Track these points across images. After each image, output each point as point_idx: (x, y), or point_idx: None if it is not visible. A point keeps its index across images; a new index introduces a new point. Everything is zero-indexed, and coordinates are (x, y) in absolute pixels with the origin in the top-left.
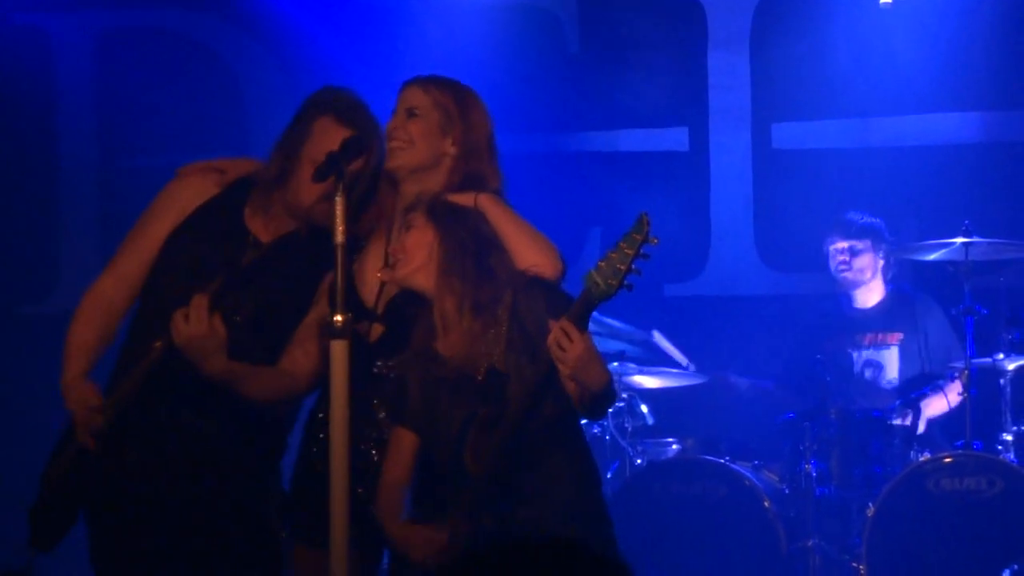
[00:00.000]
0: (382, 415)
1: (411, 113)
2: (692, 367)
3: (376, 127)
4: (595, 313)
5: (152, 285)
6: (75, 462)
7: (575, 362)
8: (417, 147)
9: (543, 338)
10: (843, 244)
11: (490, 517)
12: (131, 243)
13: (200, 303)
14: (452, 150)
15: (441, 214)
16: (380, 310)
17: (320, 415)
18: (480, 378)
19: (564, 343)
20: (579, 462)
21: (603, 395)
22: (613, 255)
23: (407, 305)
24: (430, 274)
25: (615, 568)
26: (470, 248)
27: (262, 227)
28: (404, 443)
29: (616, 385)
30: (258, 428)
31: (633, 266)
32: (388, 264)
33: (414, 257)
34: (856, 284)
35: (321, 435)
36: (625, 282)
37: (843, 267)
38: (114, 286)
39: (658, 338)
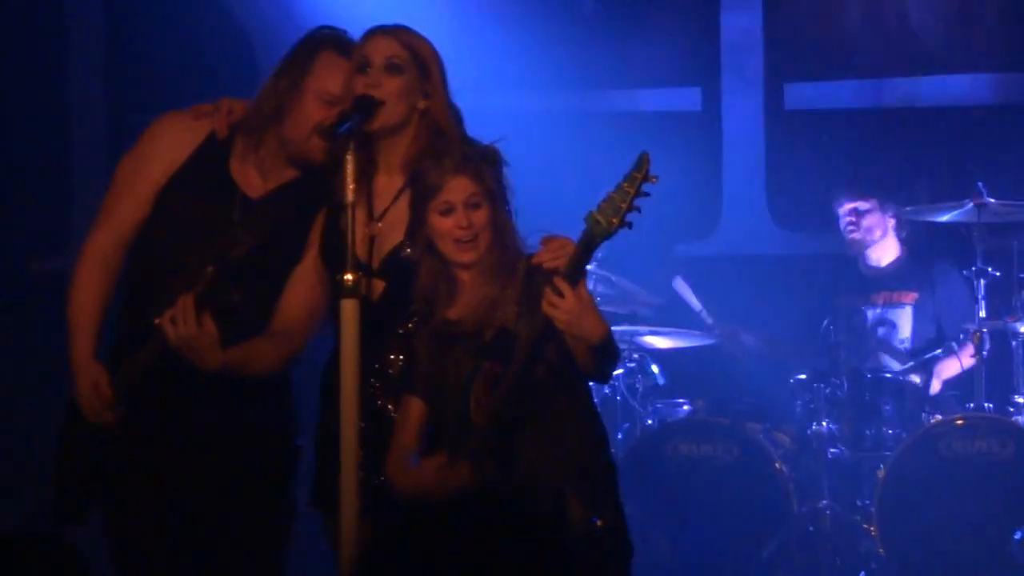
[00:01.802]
0: (391, 371)
1: (391, 67)
2: (706, 315)
3: None
4: (610, 275)
5: (145, 242)
6: (90, 437)
7: (567, 316)
8: (397, 105)
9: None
10: (849, 205)
11: (493, 465)
12: (124, 192)
13: (186, 304)
14: (423, 105)
15: (493, 192)
16: (375, 265)
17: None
18: (488, 338)
19: (554, 299)
20: (584, 420)
21: (603, 349)
22: (614, 195)
23: (406, 260)
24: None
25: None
26: (509, 226)
27: (249, 176)
28: (412, 410)
29: (625, 345)
30: (264, 391)
31: (634, 204)
32: (373, 218)
33: (482, 239)
34: (866, 244)
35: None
36: (626, 220)
37: (851, 228)
38: (109, 240)
39: (679, 284)
